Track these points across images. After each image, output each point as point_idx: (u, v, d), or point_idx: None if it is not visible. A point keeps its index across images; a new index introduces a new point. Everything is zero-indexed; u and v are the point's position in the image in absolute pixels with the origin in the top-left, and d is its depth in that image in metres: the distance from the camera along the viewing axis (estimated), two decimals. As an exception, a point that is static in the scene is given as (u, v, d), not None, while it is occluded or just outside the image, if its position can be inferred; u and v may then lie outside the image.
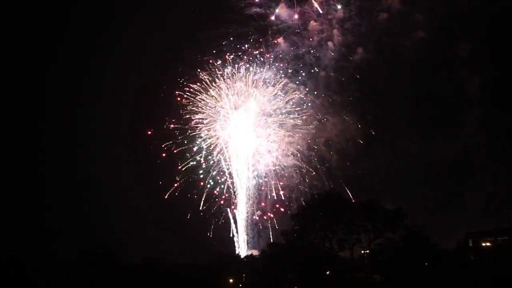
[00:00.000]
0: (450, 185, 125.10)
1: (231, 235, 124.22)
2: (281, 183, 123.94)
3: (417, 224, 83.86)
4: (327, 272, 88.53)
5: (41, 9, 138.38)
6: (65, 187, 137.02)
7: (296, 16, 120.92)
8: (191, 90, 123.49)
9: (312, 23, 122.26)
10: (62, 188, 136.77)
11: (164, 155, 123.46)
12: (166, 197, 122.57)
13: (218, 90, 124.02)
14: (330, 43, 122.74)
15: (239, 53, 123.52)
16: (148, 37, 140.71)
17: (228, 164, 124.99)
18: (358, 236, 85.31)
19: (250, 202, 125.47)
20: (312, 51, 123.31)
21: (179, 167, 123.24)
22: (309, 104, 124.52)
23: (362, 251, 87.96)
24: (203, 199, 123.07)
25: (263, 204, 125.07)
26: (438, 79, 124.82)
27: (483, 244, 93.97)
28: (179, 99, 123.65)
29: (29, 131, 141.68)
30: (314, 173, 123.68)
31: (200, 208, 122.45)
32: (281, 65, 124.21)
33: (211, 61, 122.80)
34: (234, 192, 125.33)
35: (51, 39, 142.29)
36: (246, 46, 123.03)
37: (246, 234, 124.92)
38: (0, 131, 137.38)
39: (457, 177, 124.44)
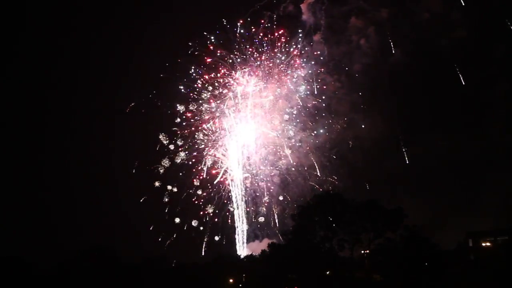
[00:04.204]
0: (467, 185, 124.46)
1: (238, 230, 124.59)
2: (302, 181, 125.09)
3: (417, 224, 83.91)
4: (327, 272, 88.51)
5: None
6: (65, 187, 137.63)
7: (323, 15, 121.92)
8: (216, 85, 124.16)
9: (353, 20, 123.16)
10: (63, 188, 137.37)
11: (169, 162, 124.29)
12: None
13: (246, 85, 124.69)
14: (365, 42, 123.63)
15: (269, 49, 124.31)
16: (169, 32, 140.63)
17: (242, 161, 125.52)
18: (358, 236, 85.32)
19: (269, 199, 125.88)
20: (345, 50, 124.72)
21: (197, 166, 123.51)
22: (341, 102, 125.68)
23: (362, 251, 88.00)
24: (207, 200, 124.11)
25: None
26: (468, 78, 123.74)
27: (483, 244, 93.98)
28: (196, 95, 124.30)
29: (29, 131, 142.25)
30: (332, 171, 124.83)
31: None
32: (313, 64, 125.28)
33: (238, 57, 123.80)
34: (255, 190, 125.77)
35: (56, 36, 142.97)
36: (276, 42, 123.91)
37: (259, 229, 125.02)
38: (1, 130, 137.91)
39: (475, 177, 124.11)
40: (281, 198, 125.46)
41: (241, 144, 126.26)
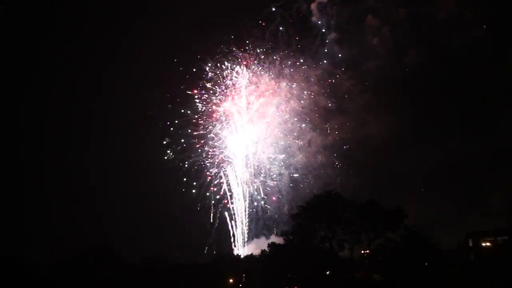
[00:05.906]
0: (468, 185, 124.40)
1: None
2: (312, 180, 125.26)
3: (417, 224, 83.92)
4: (327, 272, 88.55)
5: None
6: (65, 187, 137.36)
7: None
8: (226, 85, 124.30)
9: (369, 19, 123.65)
10: (62, 188, 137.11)
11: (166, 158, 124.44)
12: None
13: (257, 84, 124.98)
14: (379, 42, 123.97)
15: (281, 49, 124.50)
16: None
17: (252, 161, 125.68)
18: (358, 236, 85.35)
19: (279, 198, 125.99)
20: (359, 50, 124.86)
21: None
22: (353, 101, 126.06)
23: (362, 251, 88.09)
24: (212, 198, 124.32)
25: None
26: (480, 78, 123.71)
27: (483, 244, 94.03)
28: (200, 94, 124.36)
29: (29, 130, 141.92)
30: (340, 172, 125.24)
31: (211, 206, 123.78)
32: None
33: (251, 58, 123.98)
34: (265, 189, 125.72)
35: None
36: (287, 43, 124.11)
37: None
38: (2, 130, 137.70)
39: (476, 177, 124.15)
40: (288, 197, 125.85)
41: (249, 143, 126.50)
